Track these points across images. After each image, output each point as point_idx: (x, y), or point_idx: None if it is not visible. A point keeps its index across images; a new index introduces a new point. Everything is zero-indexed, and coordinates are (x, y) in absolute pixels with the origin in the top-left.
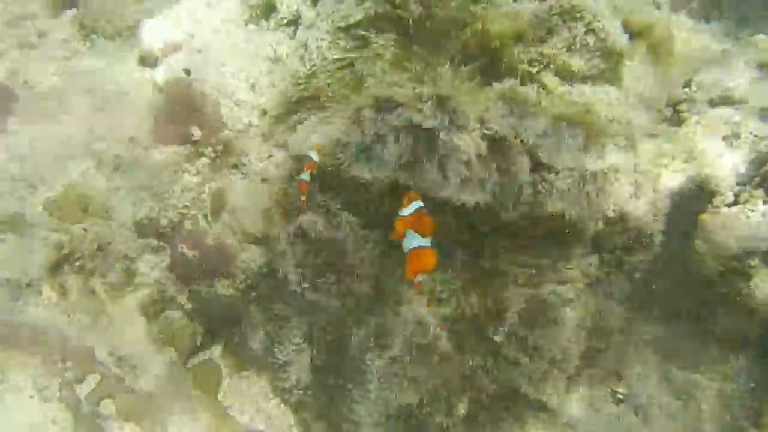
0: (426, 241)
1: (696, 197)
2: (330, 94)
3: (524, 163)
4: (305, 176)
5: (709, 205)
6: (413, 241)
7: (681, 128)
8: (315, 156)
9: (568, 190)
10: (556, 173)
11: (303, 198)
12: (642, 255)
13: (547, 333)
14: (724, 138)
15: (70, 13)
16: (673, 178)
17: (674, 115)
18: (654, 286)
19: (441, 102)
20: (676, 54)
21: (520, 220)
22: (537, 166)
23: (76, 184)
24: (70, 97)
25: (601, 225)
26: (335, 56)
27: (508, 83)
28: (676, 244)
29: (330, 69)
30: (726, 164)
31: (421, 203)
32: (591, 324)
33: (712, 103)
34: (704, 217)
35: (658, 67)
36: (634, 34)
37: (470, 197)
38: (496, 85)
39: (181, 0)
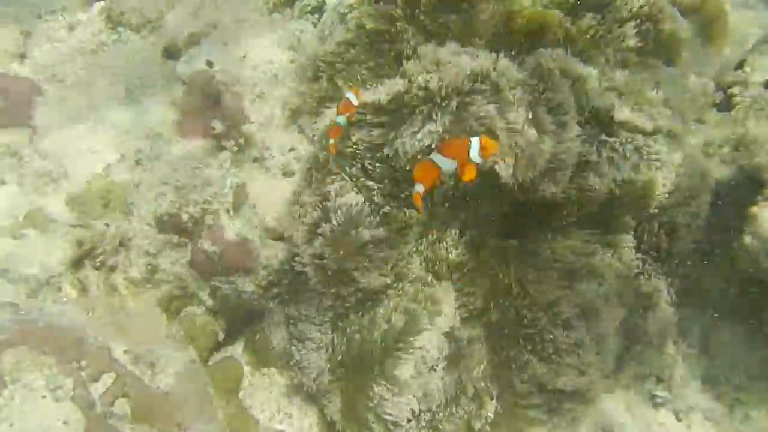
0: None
1: (746, 188)
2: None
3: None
4: (341, 120)
5: (760, 197)
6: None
7: (731, 113)
8: (353, 98)
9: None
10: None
11: (331, 143)
12: (685, 250)
13: (582, 329)
14: None
15: (98, 5)
16: (720, 168)
17: (725, 98)
18: (698, 284)
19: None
20: (729, 32)
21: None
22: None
23: (98, 180)
24: (95, 90)
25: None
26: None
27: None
28: (723, 238)
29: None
30: None
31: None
32: (629, 322)
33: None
34: (755, 210)
35: (710, 47)
36: (684, 10)
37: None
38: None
39: None
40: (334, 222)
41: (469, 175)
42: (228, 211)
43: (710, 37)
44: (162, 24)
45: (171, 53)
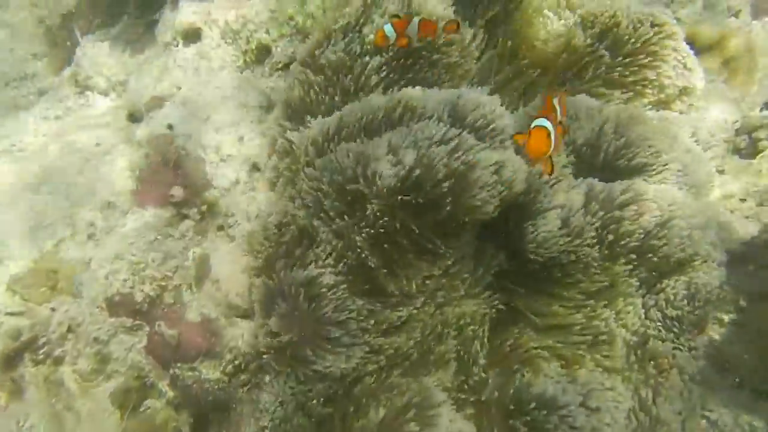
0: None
1: None
2: None
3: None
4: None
5: None
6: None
7: (754, 161)
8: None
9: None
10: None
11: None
12: (709, 321)
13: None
14: None
15: (69, 70)
16: (743, 224)
17: (750, 143)
18: (727, 359)
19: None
20: (757, 70)
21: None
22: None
23: (46, 258)
24: (52, 158)
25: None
26: None
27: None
28: (754, 307)
29: None
30: None
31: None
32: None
33: None
34: None
35: (733, 86)
36: (703, 48)
37: None
38: None
39: (173, 51)
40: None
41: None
42: (190, 287)
43: (734, 76)
44: (127, 86)
45: (135, 118)
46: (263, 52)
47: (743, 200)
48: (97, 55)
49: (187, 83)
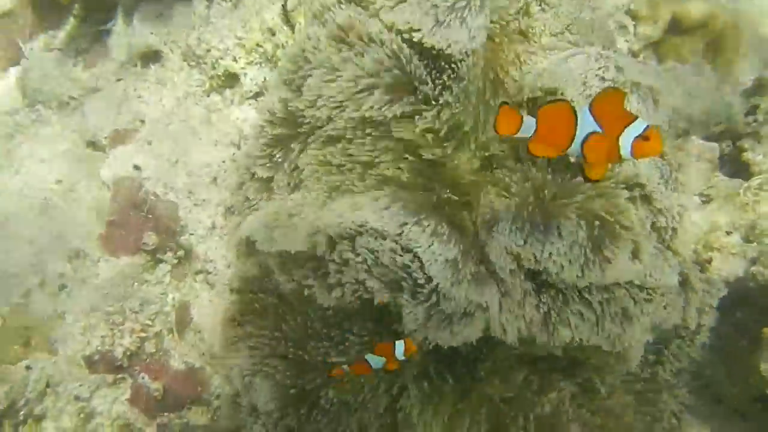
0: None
1: (762, 295)
2: None
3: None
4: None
5: None
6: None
7: (741, 189)
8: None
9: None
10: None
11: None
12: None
13: None
14: None
15: (14, 71)
16: (729, 262)
17: (734, 150)
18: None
19: None
20: (742, 45)
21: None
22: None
23: (16, 313)
24: (9, 197)
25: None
26: None
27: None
28: (736, 358)
29: None
30: None
31: None
32: None
33: None
34: None
35: (719, 66)
36: (691, 28)
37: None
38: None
39: (132, 74)
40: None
41: None
42: (172, 332)
43: (717, 57)
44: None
45: (95, 146)
46: (231, 78)
47: (729, 233)
48: (46, 66)
49: (151, 115)
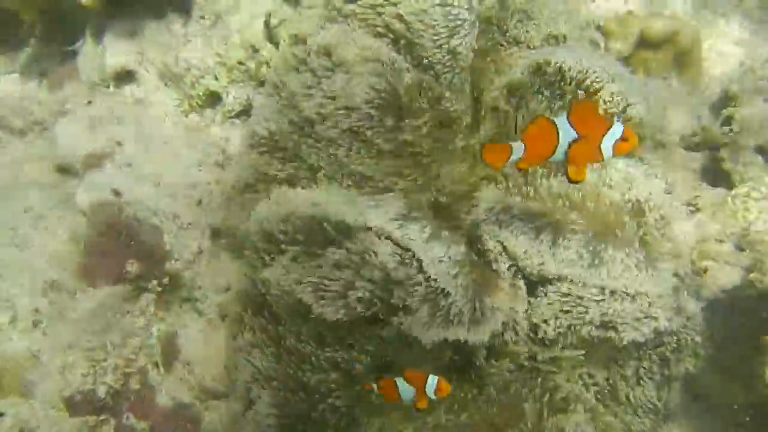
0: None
1: (761, 301)
2: None
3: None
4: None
5: None
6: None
7: (729, 197)
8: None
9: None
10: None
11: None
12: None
13: None
14: None
15: None
16: (725, 271)
17: (713, 161)
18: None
19: None
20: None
21: None
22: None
23: None
24: None
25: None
26: None
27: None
28: (734, 368)
29: None
30: None
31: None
32: None
33: (763, 152)
34: None
35: (685, 79)
36: (656, 43)
37: None
38: None
39: (105, 95)
40: None
41: None
42: (157, 366)
43: (683, 71)
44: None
45: (67, 172)
46: (212, 98)
47: (721, 241)
48: (6, 89)
49: (128, 137)
